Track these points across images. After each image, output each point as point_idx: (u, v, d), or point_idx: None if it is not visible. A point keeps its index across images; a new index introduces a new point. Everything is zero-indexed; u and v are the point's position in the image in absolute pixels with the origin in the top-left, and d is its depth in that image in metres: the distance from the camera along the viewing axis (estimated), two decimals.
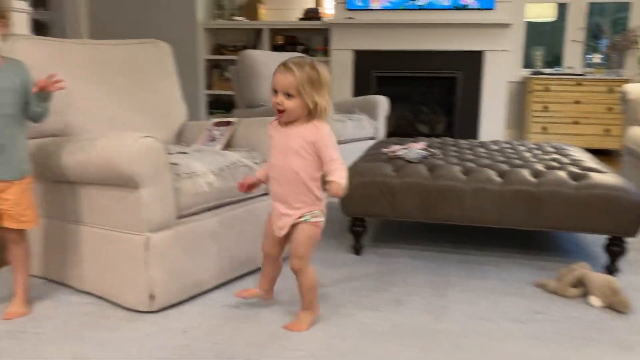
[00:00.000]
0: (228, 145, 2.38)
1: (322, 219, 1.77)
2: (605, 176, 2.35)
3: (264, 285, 1.93)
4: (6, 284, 2.08)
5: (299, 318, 1.83)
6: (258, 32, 5.95)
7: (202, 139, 2.43)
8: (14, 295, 1.91)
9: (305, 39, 5.99)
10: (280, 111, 1.68)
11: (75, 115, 2.19)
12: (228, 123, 2.46)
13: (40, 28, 5.26)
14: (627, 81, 5.29)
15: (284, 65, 1.66)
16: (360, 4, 5.47)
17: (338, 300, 2.04)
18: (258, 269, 2.25)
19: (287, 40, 5.92)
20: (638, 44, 5.55)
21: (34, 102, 1.80)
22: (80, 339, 1.74)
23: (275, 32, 5.95)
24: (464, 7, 5.32)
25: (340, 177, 1.66)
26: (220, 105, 5.96)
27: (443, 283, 2.21)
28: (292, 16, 6.04)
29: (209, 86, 6.07)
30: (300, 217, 1.73)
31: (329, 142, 1.67)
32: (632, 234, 2.22)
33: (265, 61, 4.13)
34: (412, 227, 2.90)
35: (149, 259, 1.85)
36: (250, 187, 1.86)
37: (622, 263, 2.34)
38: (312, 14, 5.84)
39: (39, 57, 2.17)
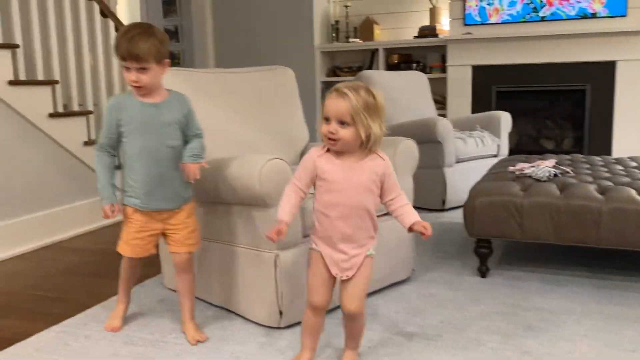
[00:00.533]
0: None
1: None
2: None
3: (314, 343, 1.71)
4: (145, 296, 2.25)
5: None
6: (373, 52, 6.01)
7: None
8: (183, 321, 1.95)
9: (421, 57, 5.95)
10: (333, 140, 1.50)
11: (215, 139, 2.32)
12: None
13: (172, 59, 5.70)
14: None
15: (337, 90, 1.50)
16: (478, 19, 5.35)
17: (464, 324, 1.98)
18: (385, 288, 2.26)
19: (402, 58, 5.93)
20: None
21: (190, 135, 1.90)
22: (216, 352, 1.83)
23: (390, 51, 5.98)
24: (593, 16, 5.01)
25: (415, 214, 1.61)
26: None
27: (579, 309, 2.07)
28: (408, 35, 6.04)
29: None
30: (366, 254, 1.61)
31: (393, 170, 1.61)
32: None
33: (384, 80, 4.16)
34: (541, 250, 2.76)
35: (278, 276, 1.91)
36: (280, 234, 1.55)
37: None
38: (427, 32, 5.80)
39: (178, 87, 2.34)
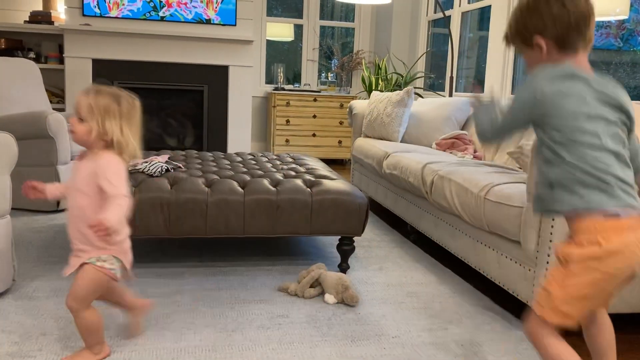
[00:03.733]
0: None
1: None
2: (335, 182, 2.56)
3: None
4: None
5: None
6: None
7: None
8: None
9: (34, 44, 5.38)
10: (71, 132, 1.56)
11: None
12: None
13: None
14: (354, 98, 5.94)
15: (87, 88, 1.57)
16: (97, 10, 5.13)
17: (66, 332, 1.83)
18: None
19: (11, 44, 5.25)
20: (362, 65, 6.27)
21: None
22: None
23: None
24: (207, 22, 5.37)
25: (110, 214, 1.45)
26: None
27: (187, 299, 2.15)
28: (17, 18, 5.39)
29: None
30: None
31: (107, 170, 1.51)
32: (358, 233, 2.46)
33: None
34: (157, 244, 2.79)
35: None
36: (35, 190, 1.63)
37: (351, 260, 2.58)
38: (41, 17, 5.28)
39: None
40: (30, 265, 2.43)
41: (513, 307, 2.19)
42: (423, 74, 5.92)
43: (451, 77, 4.89)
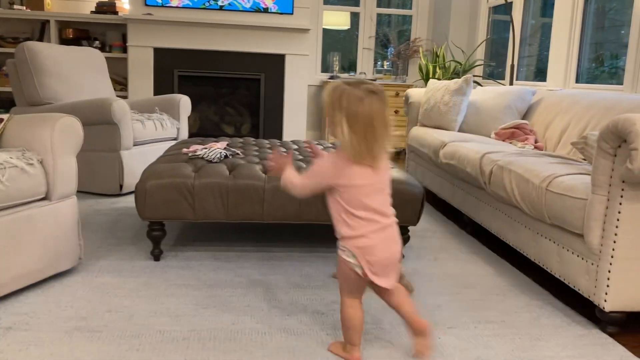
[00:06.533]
0: None
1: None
2: (391, 171, 2.54)
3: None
4: None
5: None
6: (44, 24, 5.40)
7: None
8: None
9: (99, 34, 5.59)
10: None
11: None
12: None
13: None
14: (410, 86, 5.87)
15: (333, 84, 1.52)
16: (159, 0, 5.26)
17: (132, 310, 1.91)
18: (46, 280, 2.03)
19: (78, 34, 5.46)
20: (419, 53, 6.18)
21: None
22: None
23: (64, 24, 5.46)
24: (265, 10, 5.42)
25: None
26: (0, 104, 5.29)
27: (245, 282, 2.19)
28: (84, 9, 5.60)
29: None
30: None
31: None
32: (414, 222, 2.44)
33: (51, 55, 3.75)
34: (214, 229, 2.85)
35: None
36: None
37: (406, 250, 2.56)
38: (106, 8, 5.47)
39: None
40: (95, 246, 2.54)
41: (574, 302, 2.12)
42: (482, 62, 5.77)
43: (512, 65, 4.75)
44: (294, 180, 1.62)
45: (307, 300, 2.05)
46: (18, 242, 1.93)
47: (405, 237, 2.49)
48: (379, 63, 6.54)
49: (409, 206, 2.40)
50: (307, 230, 2.88)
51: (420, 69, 5.76)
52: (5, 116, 2.15)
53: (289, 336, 1.77)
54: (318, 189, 1.60)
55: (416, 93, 4.31)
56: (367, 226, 1.54)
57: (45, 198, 2.06)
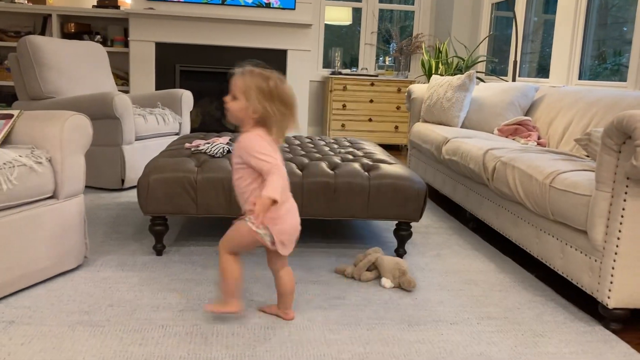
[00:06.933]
0: (5, 142, 2.08)
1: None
2: (394, 167, 2.54)
3: None
4: None
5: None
6: (46, 18, 5.39)
7: None
8: None
9: (101, 28, 5.57)
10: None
11: None
12: (8, 116, 2.15)
13: None
14: (412, 82, 5.86)
15: (241, 69, 1.71)
16: None
17: (135, 305, 1.90)
18: (52, 278, 2.02)
19: (80, 28, 5.45)
20: (421, 49, 6.16)
21: None
22: None
23: (66, 19, 5.45)
24: (267, 5, 5.40)
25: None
26: (1, 98, 5.29)
27: (247, 277, 2.19)
28: (86, 3, 5.59)
29: None
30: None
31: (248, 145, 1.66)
32: (416, 218, 2.43)
33: (53, 49, 3.74)
34: (217, 224, 2.85)
35: None
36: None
37: (408, 246, 2.56)
38: (108, 2, 5.46)
39: None
40: (98, 241, 2.54)
41: (577, 298, 2.12)
42: (485, 58, 5.76)
43: (515, 61, 4.74)
44: (274, 194, 1.58)
45: (309, 295, 2.05)
46: (25, 241, 1.92)
47: (407, 234, 2.48)
48: (380, 59, 6.52)
49: (411, 202, 2.40)
50: (307, 225, 2.88)
51: (423, 65, 5.75)
52: (15, 112, 2.14)
53: (293, 331, 1.77)
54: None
55: (418, 89, 4.30)
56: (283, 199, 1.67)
57: (53, 197, 2.06)
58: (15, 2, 5.30)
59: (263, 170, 1.62)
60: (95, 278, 2.12)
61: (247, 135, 1.69)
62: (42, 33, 5.35)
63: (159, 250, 2.39)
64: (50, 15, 5.35)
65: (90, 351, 1.59)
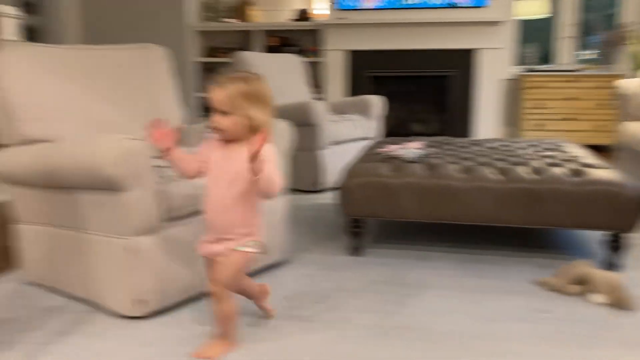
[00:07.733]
0: None
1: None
2: (603, 172, 2.33)
3: None
4: None
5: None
6: (248, 33, 5.92)
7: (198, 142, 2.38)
8: None
9: (297, 40, 5.96)
10: (219, 130, 1.54)
11: (63, 120, 2.15)
12: None
13: (32, 33, 5.20)
14: (619, 77, 5.30)
15: (217, 81, 1.52)
16: (352, 4, 5.45)
17: (338, 303, 2.01)
18: (261, 271, 2.23)
19: (280, 41, 5.89)
20: (630, 40, 5.55)
21: None
22: (75, 347, 1.70)
23: (267, 33, 5.93)
24: (456, 6, 5.31)
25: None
26: None
27: (445, 283, 2.18)
28: (284, 17, 6.02)
29: (204, 89, 6.03)
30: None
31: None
32: (629, 229, 2.20)
33: (260, 63, 4.10)
34: (411, 227, 2.88)
35: (135, 263, 1.81)
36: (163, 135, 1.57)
37: (625, 259, 2.32)
38: (303, 15, 5.82)
39: (27, 62, 2.13)
40: (300, 240, 2.71)
41: None
42: None
43: None
44: (276, 177, 1.51)
45: (508, 307, 1.97)
46: None
47: (620, 245, 2.26)
48: (580, 52, 6.00)
49: (625, 211, 2.18)
50: (501, 232, 2.76)
51: (635, 57, 5.16)
52: None
53: (495, 342, 1.72)
54: None
55: (630, 84, 3.88)
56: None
57: None
58: (224, 22, 5.90)
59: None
60: (299, 275, 2.27)
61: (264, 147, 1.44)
62: (248, 48, 5.89)
63: (357, 252, 2.49)
64: (252, 31, 5.85)
65: (300, 345, 1.71)
